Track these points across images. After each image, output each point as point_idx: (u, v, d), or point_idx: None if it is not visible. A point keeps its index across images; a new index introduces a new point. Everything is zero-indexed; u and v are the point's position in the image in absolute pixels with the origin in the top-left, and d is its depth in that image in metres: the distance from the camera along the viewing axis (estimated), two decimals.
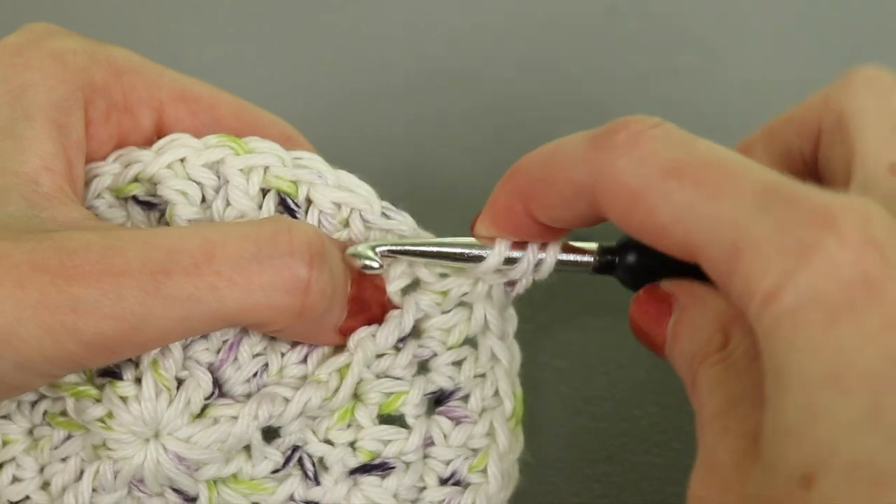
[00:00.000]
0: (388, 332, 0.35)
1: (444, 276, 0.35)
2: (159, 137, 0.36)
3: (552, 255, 0.34)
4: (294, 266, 0.30)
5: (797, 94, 0.55)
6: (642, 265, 0.34)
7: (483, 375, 0.36)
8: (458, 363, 0.36)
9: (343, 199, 0.35)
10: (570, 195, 0.30)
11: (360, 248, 0.33)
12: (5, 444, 0.35)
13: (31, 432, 0.36)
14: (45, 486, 0.35)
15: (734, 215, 0.26)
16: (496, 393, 0.36)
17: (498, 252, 0.33)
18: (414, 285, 0.36)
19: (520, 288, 0.35)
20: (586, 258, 0.34)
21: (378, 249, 0.34)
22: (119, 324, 0.29)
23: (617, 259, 0.34)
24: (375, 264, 0.33)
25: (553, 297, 0.48)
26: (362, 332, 0.34)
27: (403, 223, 0.35)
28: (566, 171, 0.30)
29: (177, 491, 0.34)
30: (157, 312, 0.29)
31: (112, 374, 0.34)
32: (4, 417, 0.35)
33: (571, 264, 0.34)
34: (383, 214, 0.35)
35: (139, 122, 0.36)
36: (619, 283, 0.35)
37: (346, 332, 0.35)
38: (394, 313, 0.35)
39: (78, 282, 0.29)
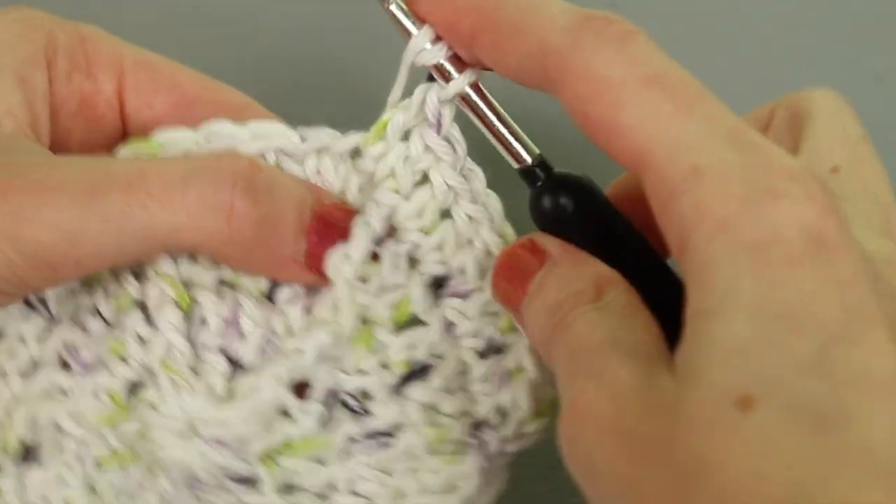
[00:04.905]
0: (358, 241, 0.33)
1: (381, 157, 0.35)
2: (120, 102, 0.38)
3: (465, 79, 0.33)
4: (218, 188, 0.32)
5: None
6: (561, 212, 0.33)
7: (470, 241, 0.35)
8: (440, 246, 0.35)
9: (262, 148, 0.35)
10: (533, 52, 0.29)
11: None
12: None
13: (92, 488, 0.35)
14: None
15: (703, 139, 0.26)
16: (489, 253, 0.35)
17: (424, 33, 0.32)
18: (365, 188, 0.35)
19: (441, 119, 0.34)
20: (504, 132, 0.33)
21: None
22: (57, 235, 0.31)
23: (542, 182, 0.33)
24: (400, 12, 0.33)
25: None
26: (334, 258, 0.33)
27: (321, 136, 0.35)
28: (543, 28, 0.29)
29: (235, 480, 0.34)
30: (92, 227, 0.31)
31: (136, 387, 0.34)
32: (60, 482, 0.35)
33: (487, 125, 0.33)
34: (302, 139, 0.35)
35: (100, 86, 0.37)
36: (530, 209, 0.33)
37: (316, 267, 0.34)
38: (357, 220, 0.34)
39: (19, 194, 0.31)
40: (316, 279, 0.34)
